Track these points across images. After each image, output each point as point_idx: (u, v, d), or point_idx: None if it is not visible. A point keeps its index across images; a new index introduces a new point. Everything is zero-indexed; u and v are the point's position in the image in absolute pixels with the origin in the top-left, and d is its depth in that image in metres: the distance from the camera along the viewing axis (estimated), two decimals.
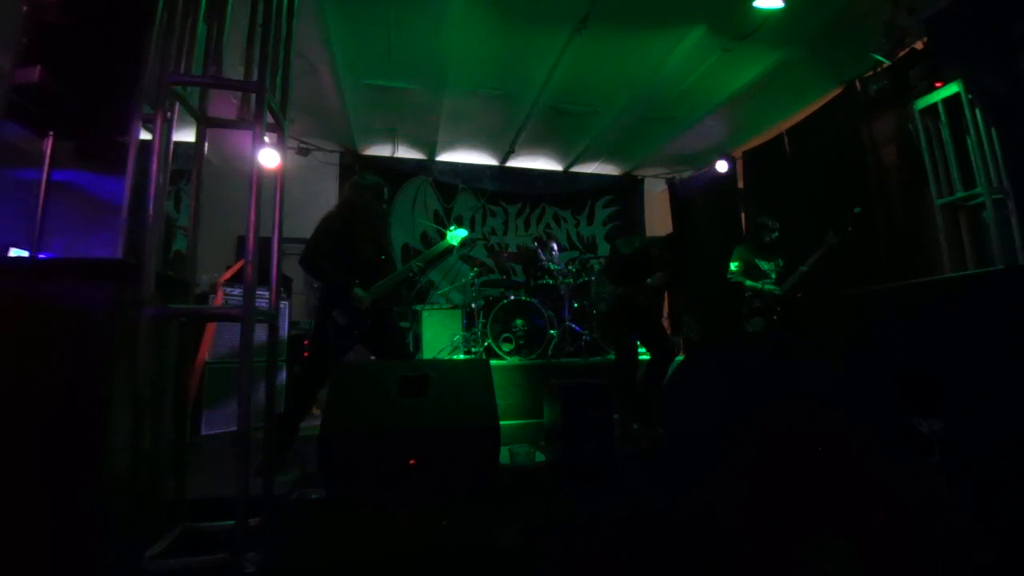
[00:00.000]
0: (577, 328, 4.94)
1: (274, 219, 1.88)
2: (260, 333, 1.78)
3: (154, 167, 1.52)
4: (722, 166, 6.04)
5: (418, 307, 5.66)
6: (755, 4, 3.61)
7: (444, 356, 5.05)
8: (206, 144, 1.88)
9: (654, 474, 2.35)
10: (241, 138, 1.77)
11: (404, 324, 5.49)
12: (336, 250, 2.73)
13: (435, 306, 5.78)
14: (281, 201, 1.90)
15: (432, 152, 6.46)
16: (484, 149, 6.49)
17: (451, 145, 6.33)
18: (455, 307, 5.58)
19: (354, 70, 4.51)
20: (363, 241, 2.84)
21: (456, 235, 3.34)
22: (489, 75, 4.66)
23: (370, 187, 2.92)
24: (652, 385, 3.39)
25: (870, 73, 4.27)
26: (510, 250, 6.64)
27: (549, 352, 4.77)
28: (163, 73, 1.56)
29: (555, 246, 5.44)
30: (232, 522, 1.47)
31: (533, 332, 4.81)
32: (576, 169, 7.11)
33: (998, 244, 3.38)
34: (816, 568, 1.50)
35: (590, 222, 7.25)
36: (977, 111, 3.44)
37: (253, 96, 1.71)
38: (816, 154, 4.90)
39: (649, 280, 3.47)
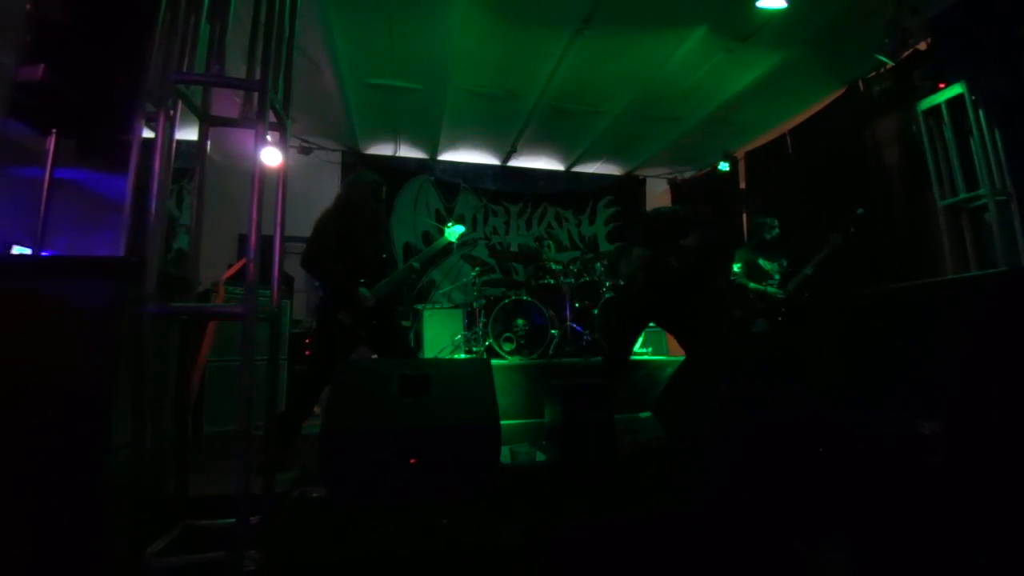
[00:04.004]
0: (578, 328, 4.94)
1: (276, 218, 1.88)
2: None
3: (156, 165, 1.52)
4: (724, 167, 6.03)
5: (419, 306, 5.66)
6: (758, 4, 3.60)
7: (445, 355, 5.05)
8: (208, 143, 1.88)
9: (654, 474, 2.35)
10: (243, 137, 1.77)
11: (405, 323, 5.49)
12: (336, 249, 2.69)
13: (436, 305, 5.78)
14: (283, 200, 1.90)
15: (434, 151, 6.47)
16: (486, 148, 6.49)
17: (453, 144, 6.34)
18: (456, 306, 5.58)
19: (356, 69, 4.51)
20: (362, 239, 2.80)
21: (454, 231, 3.34)
22: (491, 75, 4.66)
23: (368, 185, 2.89)
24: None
25: (873, 74, 4.25)
26: (511, 250, 6.65)
27: (550, 352, 4.77)
28: (166, 72, 1.56)
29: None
30: (232, 520, 1.47)
31: (534, 332, 4.81)
32: (578, 169, 7.10)
33: (1001, 246, 3.38)
34: (816, 568, 1.50)
35: (592, 222, 7.25)
36: (980, 112, 3.43)
37: (256, 95, 1.71)
38: (819, 155, 4.89)
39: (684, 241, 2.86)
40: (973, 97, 3.46)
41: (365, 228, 2.84)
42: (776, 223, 4.16)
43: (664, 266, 2.84)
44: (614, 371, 3.00)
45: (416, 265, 3.03)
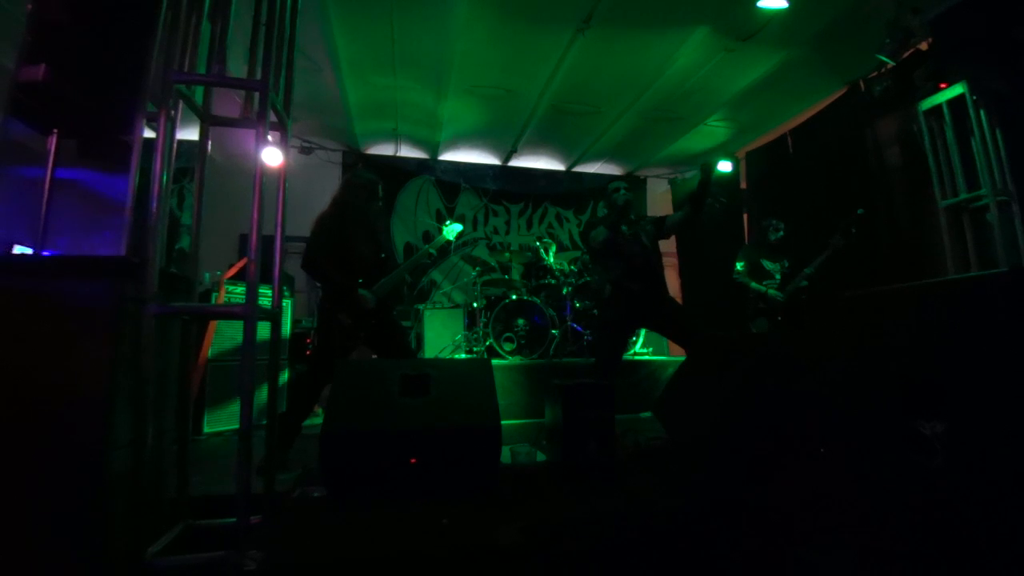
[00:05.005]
0: (578, 328, 4.94)
1: (277, 218, 1.89)
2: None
3: (157, 165, 1.52)
4: (725, 167, 6.04)
5: (420, 306, 5.66)
6: (759, 4, 3.60)
7: (446, 355, 5.05)
8: (209, 142, 1.88)
9: (655, 474, 2.35)
10: (244, 137, 1.77)
11: (406, 323, 5.50)
12: (335, 250, 2.69)
13: (437, 305, 5.78)
14: (284, 200, 1.91)
15: (435, 151, 6.47)
16: (486, 148, 6.50)
17: (454, 144, 6.34)
18: (457, 306, 5.58)
19: (357, 69, 4.52)
20: (361, 240, 2.80)
21: (452, 229, 3.34)
22: (492, 74, 4.66)
23: (363, 184, 2.87)
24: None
25: (874, 74, 4.25)
26: (512, 249, 6.65)
27: (550, 352, 4.77)
28: (167, 72, 1.57)
29: None
30: (234, 519, 1.48)
31: (534, 332, 4.81)
32: (579, 169, 7.11)
33: (1002, 246, 3.38)
34: (816, 568, 1.50)
35: None
36: (982, 112, 3.43)
37: (257, 95, 1.72)
38: (820, 155, 4.89)
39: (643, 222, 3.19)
40: (974, 97, 3.46)
41: (362, 228, 2.83)
42: (782, 225, 4.17)
43: (622, 242, 3.10)
44: (604, 374, 3.10)
45: (430, 255, 3.05)
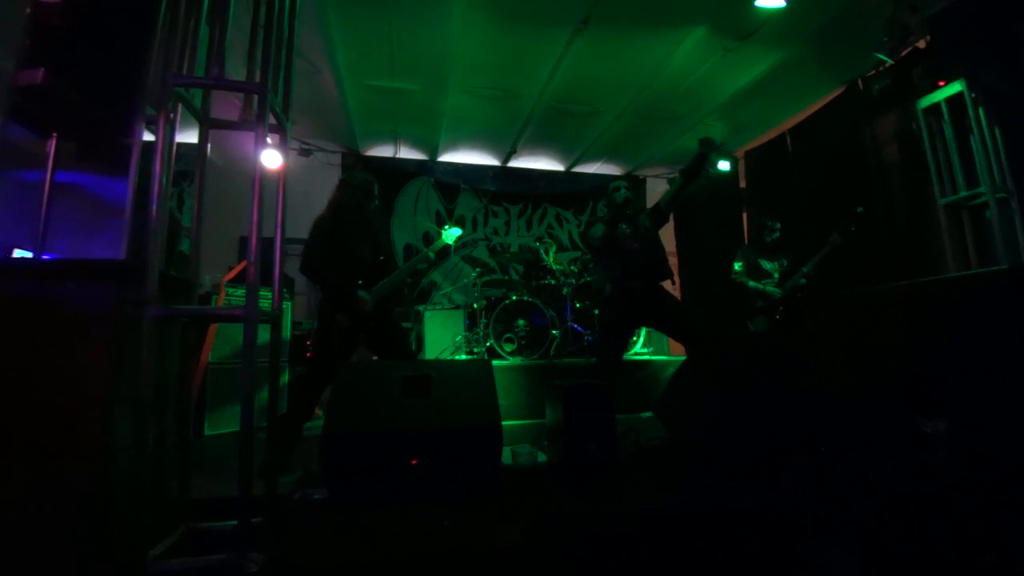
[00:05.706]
0: (579, 328, 4.94)
1: (276, 220, 1.89)
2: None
3: (157, 168, 1.52)
4: (724, 166, 6.04)
5: (420, 307, 5.66)
6: (757, 3, 3.61)
7: (446, 356, 5.05)
8: (209, 145, 1.88)
9: (655, 474, 2.34)
10: (244, 139, 1.77)
11: (406, 324, 5.50)
12: (332, 252, 2.68)
13: (437, 306, 5.78)
14: (284, 202, 1.91)
15: (434, 152, 6.47)
16: (486, 149, 6.50)
17: (453, 145, 6.34)
18: (457, 307, 5.58)
19: (356, 71, 4.52)
20: (359, 241, 2.79)
21: (451, 234, 3.34)
22: (491, 76, 4.66)
23: (359, 184, 2.86)
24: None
25: (873, 72, 4.26)
26: (512, 250, 6.65)
27: (551, 352, 4.77)
28: (166, 75, 1.57)
29: None
30: (235, 522, 1.48)
31: (535, 332, 4.81)
32: (578, 169, 7.11)
33: (1002, 244, 3.37)
34: (817, 568, 1.49)
35: None
36: (980, 110, 3.43)
37: (255, 97, 1.72)
38: (819, 154, 4.89)
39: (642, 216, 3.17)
40: (973, 95, 3.45)
41: (360, 228, 2.83)
42: (777, 226, 4.16)
43: (622, 239, 3.08)
44: (605, 374, 3.08)
45: (426, 260, 3.08)
